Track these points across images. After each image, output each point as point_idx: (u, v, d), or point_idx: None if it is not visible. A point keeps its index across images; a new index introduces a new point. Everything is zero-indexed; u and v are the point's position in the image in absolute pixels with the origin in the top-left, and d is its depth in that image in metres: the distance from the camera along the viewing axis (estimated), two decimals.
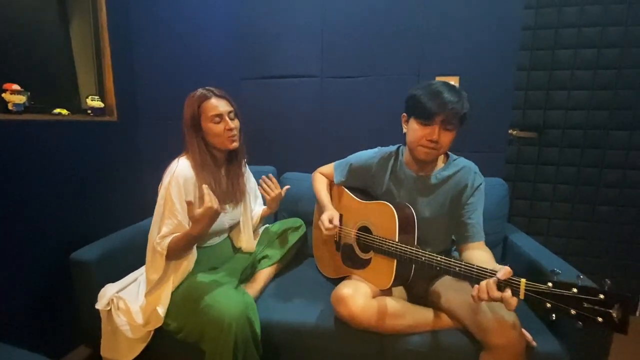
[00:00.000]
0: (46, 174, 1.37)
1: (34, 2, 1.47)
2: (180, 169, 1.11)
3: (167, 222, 1.08)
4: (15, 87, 1.27)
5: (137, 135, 1.88)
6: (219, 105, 1.16)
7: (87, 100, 1.61)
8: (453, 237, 1.24)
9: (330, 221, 1.19)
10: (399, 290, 1.21)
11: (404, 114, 1.13)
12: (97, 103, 1.62)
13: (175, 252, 1.08)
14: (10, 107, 1.26)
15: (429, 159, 1.10)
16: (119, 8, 1.73)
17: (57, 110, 1.46)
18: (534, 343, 1.00)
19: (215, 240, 1.29)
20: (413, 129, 1.08)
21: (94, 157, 1.59)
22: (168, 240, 1.07)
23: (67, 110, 1.49)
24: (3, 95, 1.26)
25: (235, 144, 1.20)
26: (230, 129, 1.17)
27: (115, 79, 1.71)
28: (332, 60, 1.69)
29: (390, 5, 1.60)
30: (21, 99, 1.28)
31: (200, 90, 1.18)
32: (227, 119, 1.16)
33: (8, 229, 1.23)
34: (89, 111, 1.61)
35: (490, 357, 0.95)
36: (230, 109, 1.19)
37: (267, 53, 1.74)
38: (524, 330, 0.96)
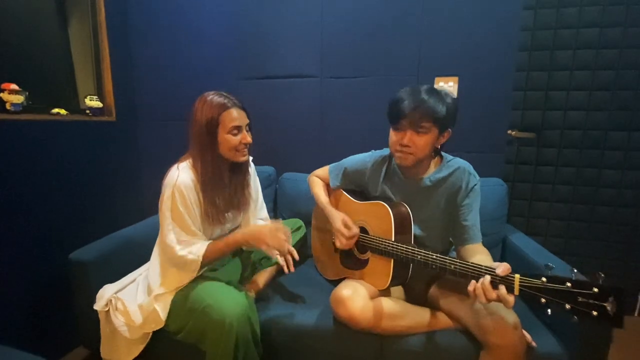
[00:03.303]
0: (44, 174, 1.36)
1: (33, 2, 1.46)
2: (182, 179, 1.07)
3: (181, 232, 1.06)
4: (14, 86, 1.27)
5: (135, 135, 1.88)
6: (239, 117, 1.10)
7: (86, 100, 1.61)
8: (451, 239, 1.24)
9: (346, 226, 1.16)
10: (398, 291, 1.21)
11: None
12: (95, 103, 1.62)
13: (210, 258, 1.09)
14: (8, 106, 1.26)
15: (405, 164, 1.09)
16: (118, 8, 1.72)
17: (56, 110, 1.45)
18: (534, 344, 1.00)
19: None
20: (390, 136, 1.10)
21: (92, 157, 1.59)
22: (202, 248, 1.06)
23: (66, 110, 1.49)
24: (1, 95, 1.25)
25: (245, 158, 1.16)
26: (246, 143, 1.13)
27: (113, 79, 1.71)
28: (332, 60, 1.69)
29: (390, 6, 1.60)
30: (19, 98, 1.28)
31: (217, 98, 1.09)
32: (244, 131, 1.13)
33: (6, 229, 1.22)
34: (88, 111, 1.61)
35: (490, 357, 0.95)
36: (248, 121, 1.15)
37: (266, 53, 1.74)
38: (524, 331, 0.96)
